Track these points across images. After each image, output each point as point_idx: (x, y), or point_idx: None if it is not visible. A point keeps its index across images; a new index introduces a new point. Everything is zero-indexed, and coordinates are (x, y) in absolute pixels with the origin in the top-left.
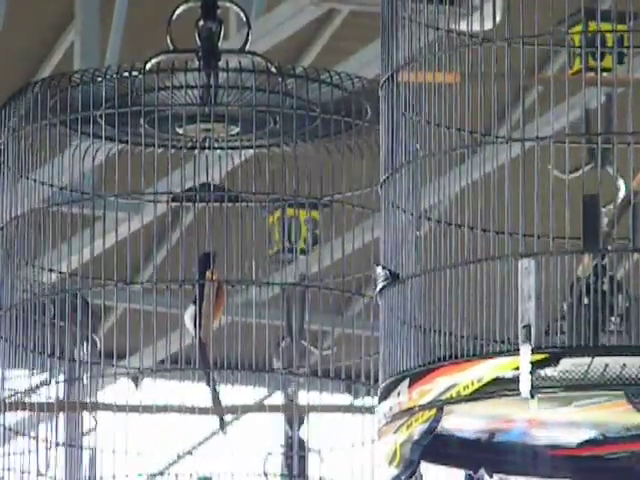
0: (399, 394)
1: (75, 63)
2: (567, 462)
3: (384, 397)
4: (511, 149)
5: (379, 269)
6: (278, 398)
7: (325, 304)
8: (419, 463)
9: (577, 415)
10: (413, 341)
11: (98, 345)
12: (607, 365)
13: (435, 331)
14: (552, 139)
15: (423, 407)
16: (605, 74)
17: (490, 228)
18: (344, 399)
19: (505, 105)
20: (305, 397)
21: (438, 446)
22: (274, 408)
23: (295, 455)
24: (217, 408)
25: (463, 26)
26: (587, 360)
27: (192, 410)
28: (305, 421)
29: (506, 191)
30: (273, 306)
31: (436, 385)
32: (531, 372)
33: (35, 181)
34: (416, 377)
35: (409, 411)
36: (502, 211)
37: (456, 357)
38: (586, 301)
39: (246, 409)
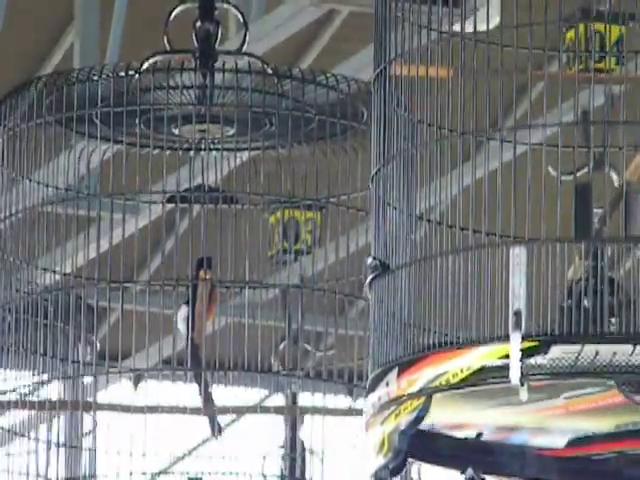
0: (387, 384)
1: (75, 64)
2: (554, 463)
3: (372, 388)
4: (503, 149)
5: (369, 260)
6: (277, 400)
7: (324, 306)
8: (407, 453)
9: (566, 410)
10: (402, 331)
11: (97, 346)
12: (597, 352)
13: (424, 320)
14: (545, 140)
15: (412, 395)
16: (602, 75)
17: (482, 229)
18: (343, 401)
19: (501, 104)
20: (304, 399)
21: (427, 445)
22: (273, 409)
23: (294, 457)
24: (208, 410)
25: (458, 27)
26: (577, 348)
27: (191, 411)
28: (304, 423)
29: (498, 188)
30: (272, 308)
31: (425, 374)
32: (521, 359)
33: (31, 181)
34: (405, 366)
35: (397, 400)
36: (494, 207)
37: (445, 345)
38: (586, 302)
39: (245, 410)
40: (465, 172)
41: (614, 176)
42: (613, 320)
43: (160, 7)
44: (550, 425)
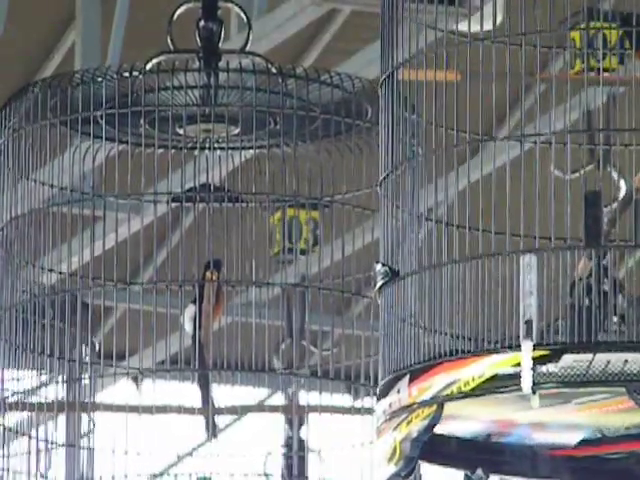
0: (399, 391)
1: (76, 64)
2: (565, 462)
3: (383, 394)
4: (509, 148)
5: (379, 266)
6: (279, 399)
7: (325, 305)
8: (418, 461)
9: (577, 414)
10: (413, 338)
11: (97, 346)
12: (609, 361)
13: (435, 328)
14: (553, 135)
15: (423, 404)
16: (606, 74)
17: (491, 229)
18: (344, 400)
19: (506, 105)
20: (305, 398)
21: (436, 446)
22: (274, 408)
23: (295, 456)
24: (207, 411)
25: (463, 26)
26: (589, 356)
27: (192, 410)
28: (305, 422)
29: (507, 189)
30: (274, 306)
31: (436, 382)
32: (532, 368)
33: (35, 181)
34: (416, 374)
35: (409, 408)
36: (502, 210)
37: (457, 353)
38: (587, 302)
39: (246, 409)
40: (472, 176)
41: (615, 176)
42: (615, 319)
43: (162, 6)
44: (560, 422)
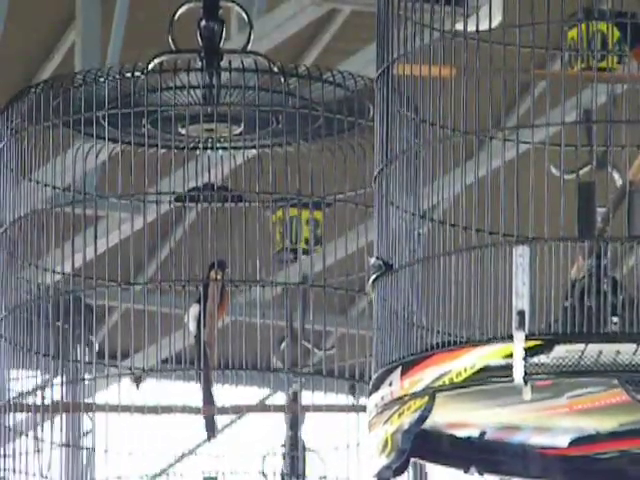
0: (391, 383)
1: (76, 63)
2: (557, 462)
3: (376, 388)
4: (505, 145)
5: (373, 259)
6: (280, 398)
7: (327, 304)
8: (410, 453)
9: (569, 409)
10: (405, 330)
11: (96, 346)
12: (601, 352)
13: (427, 320)
14: (548, 126)
15: (415, 395)
16: (604, 73)
17: (485, 228)
18: (346, 399)
19: (506, 104)
20: (307, 397)
21: (430, 444)
22: (276, 408)
23: (296, 455)
24: (209, 410)
25: (460, 26)
26: (581, 347)
27: (193, 410)
28: (306, 421)
29: (501, 188)
30: (275, 306)
31: (428, 373)
32: (524, 359)
33: (38, 182)
34: (408, 366)
35: (401, 400)
36: (497, 207)
37: (449, 345)
38: (587, 302)
39: (248, 409)
40: (468, 171)
41: (616, 175)
42: (615, 319)
43: (161, 6)
44: (553, 424)
